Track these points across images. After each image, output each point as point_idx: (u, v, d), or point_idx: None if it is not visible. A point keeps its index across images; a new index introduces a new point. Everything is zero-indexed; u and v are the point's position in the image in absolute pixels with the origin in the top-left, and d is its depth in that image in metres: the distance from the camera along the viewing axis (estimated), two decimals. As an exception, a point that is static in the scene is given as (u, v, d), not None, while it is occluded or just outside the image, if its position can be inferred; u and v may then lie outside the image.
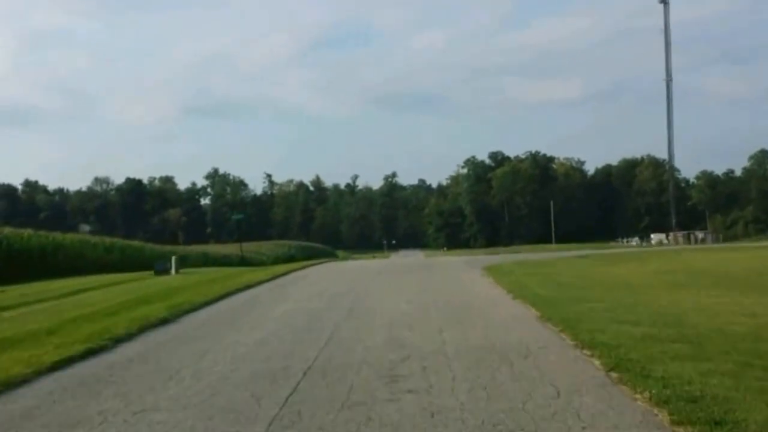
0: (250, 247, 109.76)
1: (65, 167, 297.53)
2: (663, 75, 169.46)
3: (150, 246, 74.75)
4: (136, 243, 73.69)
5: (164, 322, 17.31)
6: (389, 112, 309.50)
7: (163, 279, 35.44)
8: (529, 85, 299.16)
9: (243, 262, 60.66)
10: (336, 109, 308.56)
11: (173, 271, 42.01)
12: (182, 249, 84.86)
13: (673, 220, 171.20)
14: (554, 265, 36.71)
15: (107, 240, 66.18)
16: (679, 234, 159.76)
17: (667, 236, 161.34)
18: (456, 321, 16.11)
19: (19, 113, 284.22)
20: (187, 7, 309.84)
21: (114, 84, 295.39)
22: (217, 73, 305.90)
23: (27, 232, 52.40)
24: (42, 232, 54.28)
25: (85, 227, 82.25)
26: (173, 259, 44.07)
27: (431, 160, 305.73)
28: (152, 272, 41.51)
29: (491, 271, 32.35)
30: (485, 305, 19.17)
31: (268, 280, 31.01)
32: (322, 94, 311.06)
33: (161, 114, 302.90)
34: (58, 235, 55.43)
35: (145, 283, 32.17)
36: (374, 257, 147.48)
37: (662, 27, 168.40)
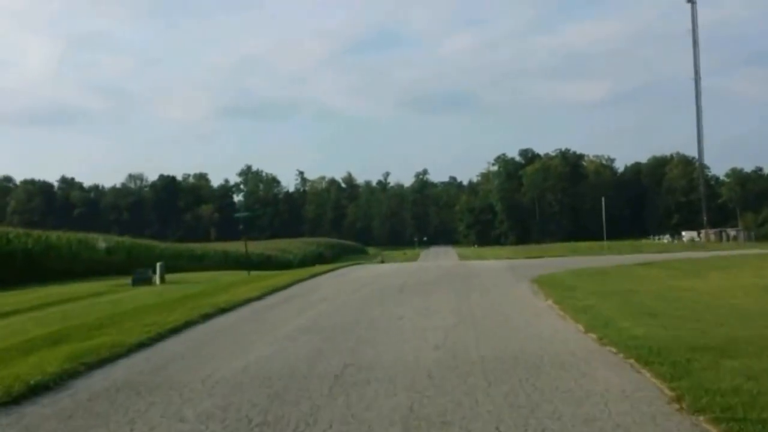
0: (280, 245, 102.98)
1: (104, 166, 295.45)
2: (690, 75, 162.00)
3: (164, 245, 67.58)
4: (144, 242, 66.04)
5: (28, 393, 9.84)
6: (421, 112, 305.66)
7: (132, 293, 27.68)
8: (558, 86, 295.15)
9: (250, 263, 53.53)
10: (369, 110, 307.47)
11: (157, 279, 34.47)
12: (201, 247, 77.76)
13: (704, 218, 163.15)
14: (621, 277, 27.95)
15: (115, 239, 59.11)
16: (711, 231, 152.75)
17: (699, 234, 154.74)
18: (520, 402, 8.64)
19: (63, 114, 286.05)
20: (224, 13, 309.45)
21: (154, 86, 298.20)
22: (255, 76, 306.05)
23: (17, 230, 45.37)
24: (37, 232, 47.23)
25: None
26: (158, 265, 36.15)
27: (462, 157, 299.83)
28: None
29: (545, 285, 24.07)
30: (561, 358, 11.37)
31: (255, 299, 23.15)
32: (356, 95, 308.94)
33: (199, 115, 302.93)
34: (52, 234, 48.34)
35: (103, 300, 24.67)
36: (405, 253, 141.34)
37: (689, 27, 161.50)
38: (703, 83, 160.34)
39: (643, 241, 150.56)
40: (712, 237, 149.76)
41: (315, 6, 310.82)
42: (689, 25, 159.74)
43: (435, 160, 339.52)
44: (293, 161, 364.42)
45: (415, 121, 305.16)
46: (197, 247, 75.47)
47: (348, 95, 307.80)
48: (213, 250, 76.61)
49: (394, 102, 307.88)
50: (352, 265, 53.22)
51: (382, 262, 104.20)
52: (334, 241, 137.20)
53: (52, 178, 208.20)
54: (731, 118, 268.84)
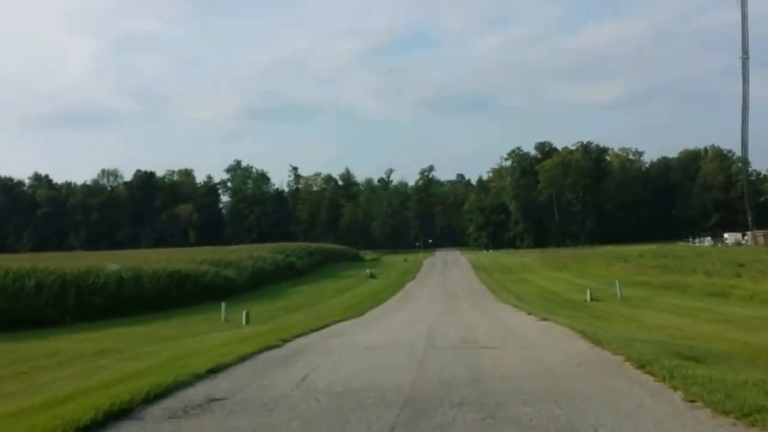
0: (232, 253, 72.98)
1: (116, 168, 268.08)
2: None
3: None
4: None
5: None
6: (435, 114, 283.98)
7: None
8: (576, 87, 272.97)
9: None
10: (387, 112, 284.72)
11: None
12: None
13: (749, 218, 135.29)
14: None
15: None
16: (759, 233, 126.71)
17: (744, 235, 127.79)
18: None
19: (88, 115, 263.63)
20: (251, 14, 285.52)
21: (180, 87, 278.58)
22: (280, 78, 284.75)
23: None
24: None
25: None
26: None
27: (471, 156, 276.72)
28: None
29: None
30: None
31: None
32: (376, 97, 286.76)
33: (223, 116, 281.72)
34: None
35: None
36: (406, 260, 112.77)
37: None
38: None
39: (680, 244, 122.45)
40: (761, 239, 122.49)
41: (341, 9, 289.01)
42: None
43: (443, 159, 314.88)
44: (298, 162, 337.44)
45: (428, 122, 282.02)
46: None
47: (371, 98, 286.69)
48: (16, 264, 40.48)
49: (412, 104, 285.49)
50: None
51: (372, 276, 75.12)
52: (316, 246, 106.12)
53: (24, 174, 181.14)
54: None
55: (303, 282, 69.69)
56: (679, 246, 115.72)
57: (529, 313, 28.33)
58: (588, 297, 43.44)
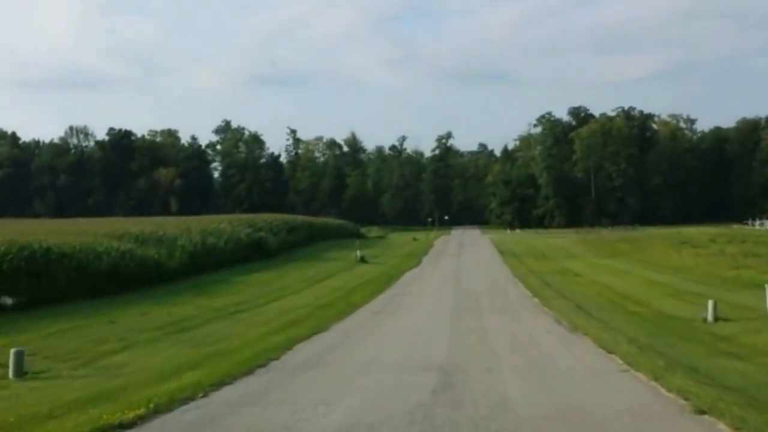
0: (193, 224, 55.97)
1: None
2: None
3: None
4: None
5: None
6: (455, 86, 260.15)
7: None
8: (606, 60, 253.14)
9: None
10: (397, 80, 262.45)
11: None
12: None
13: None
14: None
15: None
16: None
17: None
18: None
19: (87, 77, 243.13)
20: None
21: (180, 53, 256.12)
22: (282, 45, 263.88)
23: None
24: None
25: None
26: None
27: (493, 125, 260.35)
28: None
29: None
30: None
31: None
32: (386, 66, 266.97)
33: (220, 83, 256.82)
34: None
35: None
36: (415, 238, 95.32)
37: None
38: None
39: (735, 227, 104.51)
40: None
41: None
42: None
43: (462, 129, 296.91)
44: (300, 131, 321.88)
45: (443, 92, 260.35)
46: None
47: (381, 68, 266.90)
48: None
49: (425, 73, 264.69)
50: None
51: (362, 260, 57.25)
52: (303, 219, 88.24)
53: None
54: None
55: (269, 266, 51.94)
56: (738, 228, 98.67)
57: (687, 398, 10.62)
58: (709, 314, 25.09)
